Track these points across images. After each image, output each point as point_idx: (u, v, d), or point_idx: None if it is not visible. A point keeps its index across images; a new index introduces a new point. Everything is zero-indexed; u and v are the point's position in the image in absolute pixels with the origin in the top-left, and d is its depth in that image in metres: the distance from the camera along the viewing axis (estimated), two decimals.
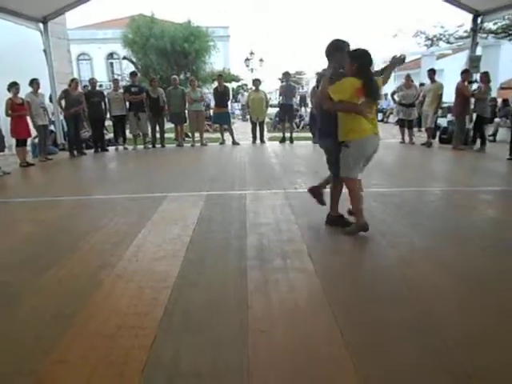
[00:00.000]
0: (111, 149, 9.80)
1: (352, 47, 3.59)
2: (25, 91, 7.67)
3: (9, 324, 2.25)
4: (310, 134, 10.67)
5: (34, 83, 7.77)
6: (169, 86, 10.43)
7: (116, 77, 20.79)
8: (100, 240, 3.50)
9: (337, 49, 3.56)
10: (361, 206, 3.54)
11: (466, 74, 8.62)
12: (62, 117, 9.31)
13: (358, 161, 3.46)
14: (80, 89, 11.84)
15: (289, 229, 3.72)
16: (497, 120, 10.61)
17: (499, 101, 11.97)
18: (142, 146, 9.87)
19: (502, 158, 7.48)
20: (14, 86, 7.22)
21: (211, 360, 1.87)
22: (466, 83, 8.58)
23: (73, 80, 8.95)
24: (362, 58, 3.38)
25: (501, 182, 6.08)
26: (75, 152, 8.83)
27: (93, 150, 9.46)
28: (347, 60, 3.36)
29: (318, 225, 3.80)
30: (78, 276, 2.82)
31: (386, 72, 3.70)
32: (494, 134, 10.46)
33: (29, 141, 8.14)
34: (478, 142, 8.55)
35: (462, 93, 8.43)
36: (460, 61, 12.41)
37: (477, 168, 7.13)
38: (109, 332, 2.11)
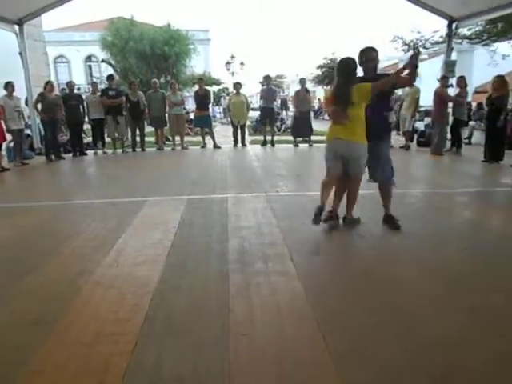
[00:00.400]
0: (90, 153, 9.65)
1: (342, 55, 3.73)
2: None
3: None
4: (291, 138, 10.74)
5: (9, 86, 7.59)
6: (149, 89, 10.35)
7: (95, 80, 20.50)
8: (79, 245, 3.44)
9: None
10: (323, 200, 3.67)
11: (444, 79, 8.82)
12: (38, 120, 9.12)
13: (327, 161, 3.82)
14: (57, 92, 11.68)
15: (270, 232, 3.73)
16: (472, 123, 10.91)
17: (474, 105, 12.31)
18: (121, 150, 9.74)
19: (477, 160, 7.70)
20: None
21: (193, 364, 1.86)
22: (444, 89, 8.76)
23: (48, 83, 8.77)
24: (337, 67, 3.65)
25: (476, 183, 6.25)
26: (52, 156, 8.66)
27: (71, 155, 9.29)
28: None
29: (300, 228, 3.82)
30: (57, 282, 2.76)
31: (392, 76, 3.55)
32: (470, 137, 10.75)
33: (4, 145, 7.93)
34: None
35: (441, 98, 8.59)
36: (436, 65, 12.71)
37: (454, 170, 7.33)
38: (88, 339, 2.07)
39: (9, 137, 8.36)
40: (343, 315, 2.30)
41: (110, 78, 10.23)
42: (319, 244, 3.45)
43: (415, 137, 10.26)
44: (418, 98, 9.28)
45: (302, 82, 10.68)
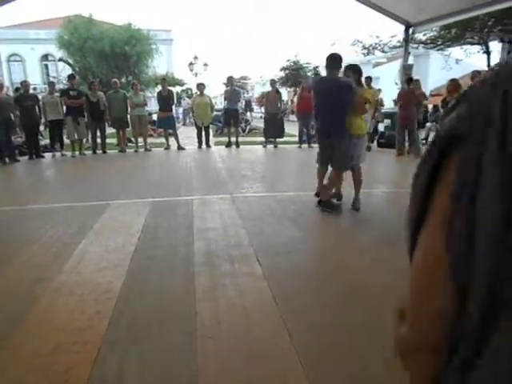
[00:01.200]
0: (47, 155, 9.26)
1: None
2: None
3: None
4: (256, 139, 10.80)
5: None
6: (109, 89, 10.07)
7: (52, 79, 19.72)
8: (37, 252, 3.29)
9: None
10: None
11: (416, 81, 9.10)
12: None
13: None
14: (11, 92, 11.13)
15: (236, 233, 3.72)
16: (428, 125, 11.36)
17: (430, 107, 12.84)
18: (83, 152, 9.43)
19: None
20: None
21: (159, 371, 1.82)
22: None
23: None
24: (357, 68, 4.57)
25: None
26: (7, 159, 8.25)
27: (27, 157, 8.88)
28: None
29: (266, 229, 3.84)
30: (12, 292, 2.62)
31: None
32: (426, 138, 11.19)
33: None
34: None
35: (418, 99, 8.73)
36: (393, 69, 13.19)
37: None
38: (46, 350, 1.98)
39: None
40: (310, 315, 2.32)
41: (71, 77, 9.87)
42: (285, 244, 3.47)
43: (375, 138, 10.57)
44: (377, 101, 9.55)
45: (273, 83, 10.76)
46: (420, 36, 12.95)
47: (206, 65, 27.68)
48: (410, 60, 11.31)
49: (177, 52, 35.34)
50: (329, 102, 4.18)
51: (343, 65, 4.39)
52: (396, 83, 10.37)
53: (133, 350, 1.98)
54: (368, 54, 15.42)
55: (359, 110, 4.22)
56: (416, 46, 13.51)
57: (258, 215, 4.33)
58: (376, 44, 14.88)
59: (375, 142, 10.43)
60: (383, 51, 15.05)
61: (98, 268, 2.96)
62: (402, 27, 10.54)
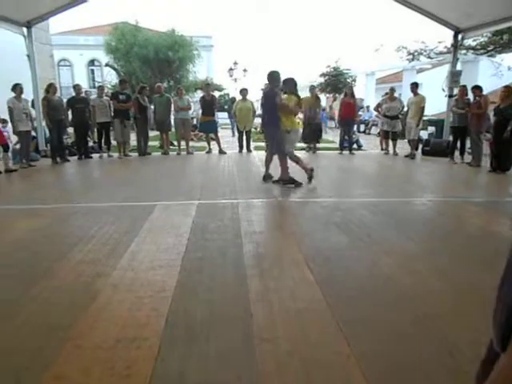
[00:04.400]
0: (95, 156, 9.62)
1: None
2: (4, 96, 7.45)
3: (2, 339, 2.14)
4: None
5: (18, 88, 7.57)
6: (152, 93, 10.37)
7: (97, 84, 20.54)
8: (92, 249, 3.40)
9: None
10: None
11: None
12: (44, 123, 9.10)
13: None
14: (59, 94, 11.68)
15: (284, 237, 3.71)
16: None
17: None
18: (127, 154, 9.73)
19: (483, 170, 7.70)
20: None
21: (220, 372, 1.83)
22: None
23: (50, 85, 8.71)
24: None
25: (485, 193, 6.25)
26: (58, 159, 8.64)
27: (76, 157, 9.26)
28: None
29: (313, 234, 3.80)
30: (73, 286, 2.72)
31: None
32: None
33: (10, 147, 7.91)
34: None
35: (484, 107, 8.11)
36: (439, 75, 12.79)
37: (462, 179, 7.31)
38: (109, 344, 2.03)
39: (14, 139, 8.37)
40: (364, 320, 2.26)
41: (122, 82, 10.32)
42: (335, 248, 3.42)
43: (420, 146, 10.25)
44: (423, 107, 9.30)
45: (312, 88, 10.69)
46: (469, 41, 12.49)
47: (245, 70, 27.97)
48: (458, 66, 10.94)
49: (216, 57, 35.85)
50: (264, 105, 6.18)
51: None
52: (443, 90, 10.03)
53: (192, 349, 1.99)
54: (413, 59, 15.05)
55: (282, 111, 5.86)
56: (464, 51, 13.05)
57: (304, 220, 4.30)
58: (421, 50, 14.49)
59: (419, 150, 10.09)
60: (429, 57, 14.63)
61: (151, 266, 3.02)
62: (450, 33, 10.24)
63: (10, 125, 7.86)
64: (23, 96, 7.81)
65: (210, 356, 1.94)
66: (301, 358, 1.94)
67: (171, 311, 2.35)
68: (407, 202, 5.27)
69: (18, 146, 8.21)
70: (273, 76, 5.99)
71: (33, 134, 9.00)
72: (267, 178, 6.34)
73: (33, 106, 9.36)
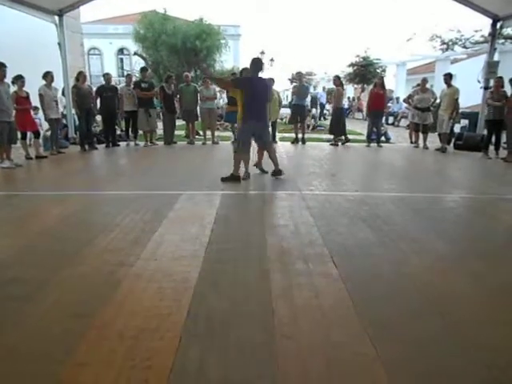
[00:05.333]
0: (122, 144, 9.75)
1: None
2: (36, 83, 7.60)
3: (27, 323, 2.17)
4: (322, 136, 10.59)
5: (49, 76, 7.70)
6: (180, 83, 10.37)
7: (126, 72, 20.80)
8: (117, 237, 3.43)
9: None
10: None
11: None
12: (73, 111, 9.26)
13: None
14: (89, 82, 11.85)
15: (308, 231, 3.63)
16: None
17: None
18: (154, 142, 9.80)
19: None
20: (19, 80, 7.05)
21: (241, 368, 1.79)
22: None
23: (80, 73, 8.83)
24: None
25: None
26: (86, 146, 8.80)
27: (104, 145, 9.40)
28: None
29: (339, 228, 3.71)
30: (97, 274, 2.75)
31: None
32: None
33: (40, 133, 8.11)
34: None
35: None
36: (474, 66, 12.25)
37: (497, 175, 7.00)
38: (131, 333, 2.03)
39: (45, 126, 8.57)
40: (390, 322, 2.18)
41: (143, 70, 10.32)
42: (359, 244, 3.33)
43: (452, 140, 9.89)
44: (456, 99, 8.94)
45: (337, 79, 10.45)
46: (508, 30, 11.90)
47: (272, 60, 27.68)
48: (496, 57, 10.45)
49: (243, 47, 35.64)
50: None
51: None
52: (479, 81, 9.62)
53: (213, 344, 1.96)
54: (447, 49, 14.49)
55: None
56: (503, 41, 12.44)
57: (330, 214, 4.20)
58: (457, 39, 13.92)
59: (451, 144, 9.73)
60: (464, 47, 14.04)
61: (174, 256, 3.02)
62: (488, 21, 9.78)
63: (41, 112, 8.02)
64: (53, 84, 7.95)
65: (230, 351, 1.91)
66: (324, 357, 1.88)
67: (193, 303, 2.33)
68: (438, 198, 5.09)
69: (48, 133, 8.40)
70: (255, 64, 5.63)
71: (63, 121, 9.20)
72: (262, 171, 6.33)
73: (63, 93, 9.56)
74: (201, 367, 1.80)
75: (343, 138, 10.33)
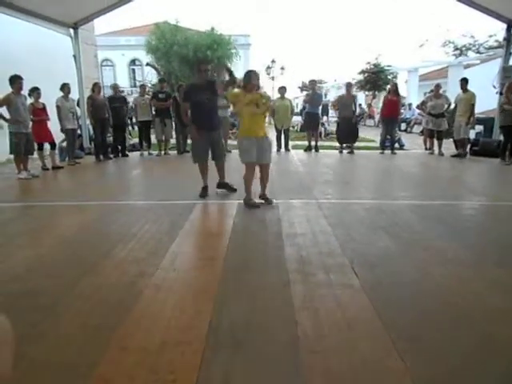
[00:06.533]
0: (136, 154, 9.81)
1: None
2: (52, 95, 7.71)
3: (49, 335, 2.16)
4: (334, 143, 10.53)
5: (66, 87, 7.83)
6: None
7: (138, 83, 21.04)
8: (134, 247, 3.42)
9: None
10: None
11: None
12: (88, 121, 9.37)
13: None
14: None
15: (327, 241, 3.58)
16: None
17: None
18: (167, 152, 9.85)
19: None
20: (35, 91, 7.18)
21: (267, 382, 1.75)
22: None
23: (95, 85, 8.96)
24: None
25: None
26: (101, 156, 8.88)
27: (112, 155, 9.43)
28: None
29: (358, 237, 3.65)
30: (116, 285, 2.73)
31: None
32: None
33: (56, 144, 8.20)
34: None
35: None
36: (489, 71, 12.09)
37: None
38: (154, 347, 2.00)
39: (60, 136, 8.67)
40: (420, 336, 2.11)
41: (161, 81, 10.48)
42: (380, 254, 3.26)
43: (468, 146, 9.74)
44: (473, 105, 8.82)
45: (348, 86, 10.40)
46: None
47: (282, 68, 27.83)
48: (511, 62, 10.30)
49: (254, 56, 35.85)
50: None
51: None
52: (494, 86, 9.49)
53: (237, 357, 1.92)
54: (460, 55, 14.36)
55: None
56: None
57: (347, 223, 4.14)
58: (470, 44, 13.80)
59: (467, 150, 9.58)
60: (478, 52, 13.90)
61: (193, 267, 3.00)
62: (503, 25, 9.66)
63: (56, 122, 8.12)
64: (69, 95, 8.06)
65: (255, 365, 1.86)
66: (352, 372, 1.83)
67: (214, 314, 2.30)
68: (456, 205, 5.00)
69: (64, 144, 8.50)
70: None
71: (78, 132, 9.31)
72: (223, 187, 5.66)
73: (78, 104, 9.67)
74: (226, 381, 1.76)
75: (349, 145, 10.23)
